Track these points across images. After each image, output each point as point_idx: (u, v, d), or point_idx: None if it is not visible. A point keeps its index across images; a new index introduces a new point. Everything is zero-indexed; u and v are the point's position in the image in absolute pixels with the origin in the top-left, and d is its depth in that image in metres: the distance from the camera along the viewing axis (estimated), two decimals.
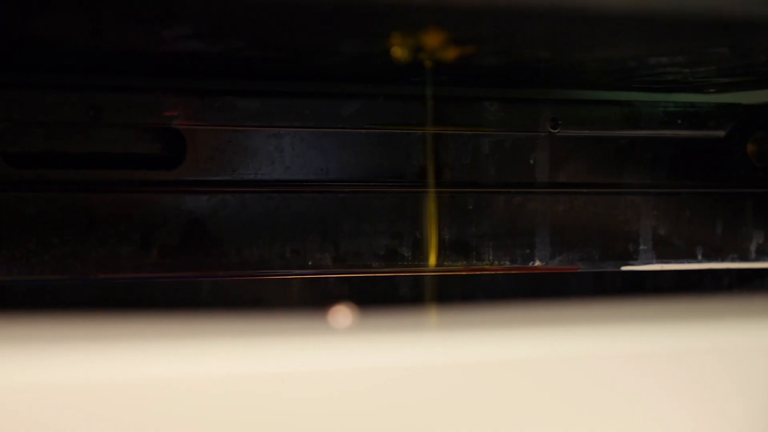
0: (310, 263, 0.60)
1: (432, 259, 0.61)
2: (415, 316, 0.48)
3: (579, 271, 0.65)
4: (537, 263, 0.64)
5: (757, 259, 0.68)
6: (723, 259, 0.68)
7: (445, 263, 0.62)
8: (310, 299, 0.61)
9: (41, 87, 0.55)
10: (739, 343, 0.41)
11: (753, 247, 0.68)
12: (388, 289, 0.63)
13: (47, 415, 0.34)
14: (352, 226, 0.60)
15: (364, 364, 0.37)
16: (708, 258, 0.67)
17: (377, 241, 0.61)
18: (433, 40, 0.47)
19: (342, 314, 0.41)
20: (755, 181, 0.68)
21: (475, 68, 0.55)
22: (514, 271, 0.64)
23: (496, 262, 0.64)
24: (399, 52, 0.49)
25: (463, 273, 0.62)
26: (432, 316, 0.49)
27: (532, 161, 0.64)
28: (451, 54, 0.49)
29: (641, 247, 0.66)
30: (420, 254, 0.61)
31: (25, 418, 0.33)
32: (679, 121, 0.66)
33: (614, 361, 0.39)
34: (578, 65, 0.55)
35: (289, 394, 0.36)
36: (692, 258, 0.67)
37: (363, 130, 0.60)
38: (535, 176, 0.64)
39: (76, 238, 0.56)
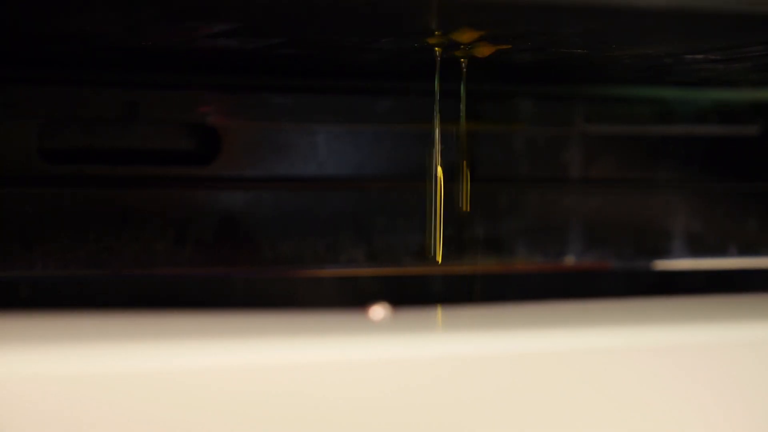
0: (343, 259, 0.60)
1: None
2: (448, 312, 0.48)
3: (611, 268, 0.65)
4: (569, 260, 0.64)
5: None
6: (757, 256, 0.67)
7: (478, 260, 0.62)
8: (342, 295, 0.61)
9: (78, 83, 0.55)
10: None
11: None
12: (421, 286, 0.63)
13: (81, 404, 0.34)
14: (385, 222, 0.61)
15: (398, 359, 0.37)
16: (741, 255, 0.67)
17: (410, 238, 0.61)
18: (468, 37, 0.47)
19: (375, 311, 0.41)
20: None
21: (510, 65, 0.54)
22: (546, 268, 0.64)
23: (528, 259, 0.64)
24: (433, 49, 0.49)
25: (496, 270, 0.62)
26: (464, 312, 0.49)
27: (565, 157, 0.64)
28: (485, 51, 0.49)
29: (674, 243, 0.66)
30: (453, 251, 0.61)
31: (61, 407, 0.34)
32: (713, 118, 0.66)
33: (648, 355, 0.39)
34: (613, 62, 0.54)
35: (310, 386, 0.36)
36: (725, 255, 0.67)
37: (397, 126, 0.60)
38: (568, 172, 0.64)
39: (111, 234, 0.57)
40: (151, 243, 0.57)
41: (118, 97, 0.56)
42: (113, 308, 0.41)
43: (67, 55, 0.53)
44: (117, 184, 0.57)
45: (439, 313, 0.48)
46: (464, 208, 0.60)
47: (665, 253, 0.66)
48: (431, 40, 0.47)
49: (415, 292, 0.62)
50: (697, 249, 0.67)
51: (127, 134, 0.57)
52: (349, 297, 0.61)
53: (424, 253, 0.60)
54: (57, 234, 0.56)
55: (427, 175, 0.60)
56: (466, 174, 0.60)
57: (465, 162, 0.60)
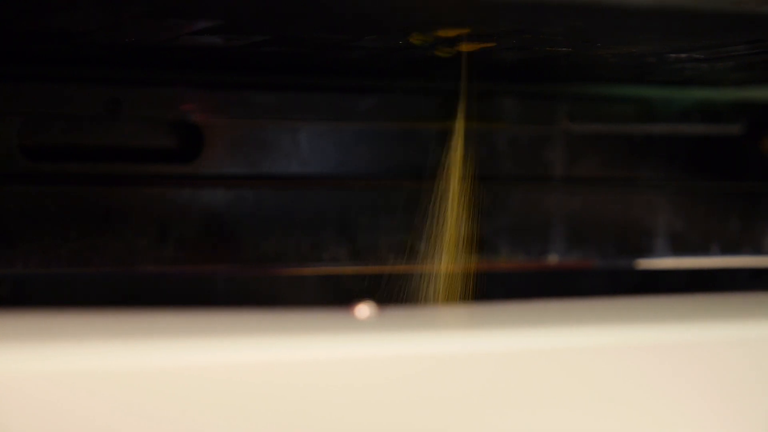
0: (326, 258, 0.60)
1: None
2: (432, 310, 0.48)
3: (595, 267, 0.65)
4: (552, 258, 0.64)
5: None
6: (738, 255, 0.68)
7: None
8: (325, 294, 0.61)
9: (60, 80, 0.55)
10: (761, 335, 0.41)
11: None
12: (405, 284, 0.63)
13: (67, 402, 0.34)
14: (369, 220, 0.60)
15: (381, 357, 0.37)
16: (724, 254, 0.67)
17: (394, 236, 0.61)
18: (452, 35, 0.47)
19: (358, 309, 0.41)
20: None
21: (494, 63, 0.54)
22: (529, 267, 0.64)
23: (512, 258, 0.64)
24: (418, 47, 0.49)
25: (479, 268, 0.62)
26: (448, 310, 0.49)
27: (548, 156, 0.64)
28: (470, 49, 0.49)
29: (657, 242, 0.66)
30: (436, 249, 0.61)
31: (45, 405, 0.34)
32: (696, 117, 0.66)
33: (632, 353, 0.40)
34: (597, 60, 0.54)
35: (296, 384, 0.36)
36: (708, 254, 0.67)
37: (381, 125, 0.60)
38: (552, 171, 0.64)
39: (94, 232, 0.56)
40: (133, 241, 0.57)
41: (100, 94, 0.56)
42: (95, 306, 0.41)
43: (50, 51, 0.52)
44: (99, 181, 0.56)
45: (422, 311, 0.48)
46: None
47: (648, 252, 0.66)
48: (415, 39, 0.47)
49: (399, 291, 0.62)
50: (680, 248, 0.67)
51: (110, 131, 0.57)
52: (332, 295, 0.61)
53: (407, 252, 0.60)
54: (39, 232, 0.56)
55: (413, 173, 0.60)
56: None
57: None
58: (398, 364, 0.37)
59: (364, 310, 0.41)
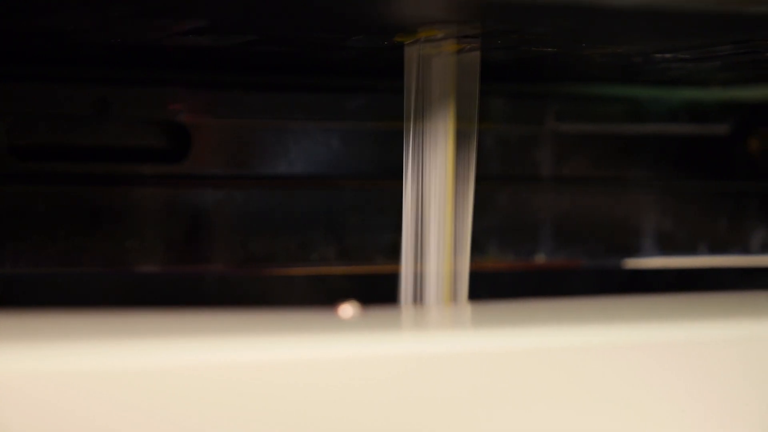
0: (314, 258, 0.60)
1: None
2: (419, 310, 0.48)
3: (582, 266, 0.65)
4: (540, 258, 0.65)
5: (761, 254, 0.68)
6: (726, 255, 0.68)
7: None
8: (313, 293, 0.61)
9: (48, 80, 0.55)
10: (749, 334, 0.41)
11: (756, 243, 0.68)
12: (393, 285, 0.63)
13: (66, 402, 0.34)
14: (357, 220, 0.61)
15: (368, 357, 0.37)
16: (711, 254, 0.67)
17: (382, 236, 0.61)
18: (438, 35, 0.47)
19: (346, 309, 0.42)
20: (759, 177, 0.68)
21: (481, 63, 0.55)
22: (517, 267, 0.64)
23: (500, 257, 0.64)
24: (403, 47, 0.49)
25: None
26: (435, 310, 0.49)
27: (536, 156, 0.64)
28: (455, 49, 0.49)
29: (645, 242, 0.66)
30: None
31: (44, 405, 0.34)
32: (683, 117, 0.66)
33: (623, 352, 0.40)
34: (584, 61, 0.55)
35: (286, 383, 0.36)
36: (696, 253, 0.67)
37: (369, 124, 0.60)
38: (540, 171, 0.64)
39: (82, 232, 0.56)
40: (121, 241, 0.57)
41: (89, 94, 0.56)
42: (84, 306, 0.41)
43: (38, 51, 0.52)
44: (88, 181, 0.56)
45: (410, 311, 0.48)
46: None
47: (636, 252, 0.66)
48: (400, 39, 0.47)
49: (387, 291, 0.62)
50: (668, 247, 0.67)
51: (99, 131, 0.57)
52: (320, 295, 0.61)
53: (396, 251, 0.60)
54: (27, 232, 0.56)
55: (401, 173, 0.60)
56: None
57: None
58: (387, 364, 0.37)
59: (352, 309, 0.41)
